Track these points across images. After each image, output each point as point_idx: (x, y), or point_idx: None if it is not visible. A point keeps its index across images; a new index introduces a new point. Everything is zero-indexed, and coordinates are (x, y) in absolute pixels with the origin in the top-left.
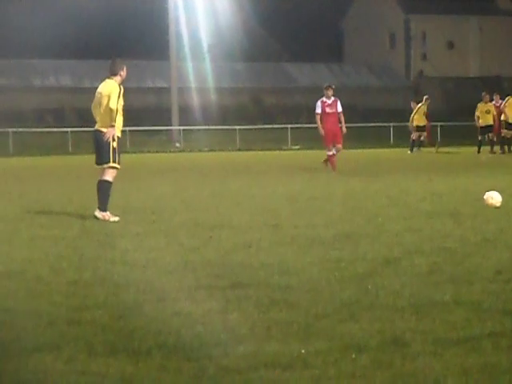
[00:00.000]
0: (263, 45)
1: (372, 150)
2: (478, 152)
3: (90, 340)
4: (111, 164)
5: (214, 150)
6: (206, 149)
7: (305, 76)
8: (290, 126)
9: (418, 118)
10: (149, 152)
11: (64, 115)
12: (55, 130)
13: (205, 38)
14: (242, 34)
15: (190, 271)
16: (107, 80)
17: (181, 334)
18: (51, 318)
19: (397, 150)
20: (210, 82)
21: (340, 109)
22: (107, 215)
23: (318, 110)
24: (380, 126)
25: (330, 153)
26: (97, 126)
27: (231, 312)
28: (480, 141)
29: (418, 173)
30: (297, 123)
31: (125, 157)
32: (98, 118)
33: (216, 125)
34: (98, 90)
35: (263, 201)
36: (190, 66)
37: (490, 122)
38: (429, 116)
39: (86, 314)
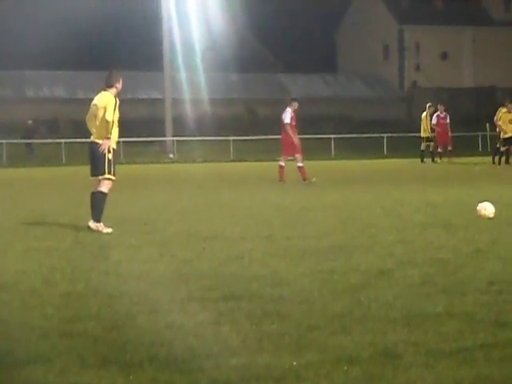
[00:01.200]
0: (257, 56)
1: (366, 161)
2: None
3: (82, 352)
4: (106, 176)
5: (208, 161)
6: (199, 160)
7: (299, 87)
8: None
9: (423, 128)
10: (142, 163)
11: (58, 126)
12: (49, 141)
13: (199, 49)
14: (236, 44)
15: (183, 283)
16: (103, 92)
17: (173, 346)
18: (43, 330)
19: (390, 160)
20: (204, 93)
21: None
22: (101, 226)
23: (288, 121)
24: (374, 137)
25: (283, 163)
26: (92, 138)
27: (223, 324)
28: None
29: (411, 183)
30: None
31: (118, 168)
32: (93, 130)
33: (210, 136)
34: (94, 101)
35: (256, 212)
36: (183, 77)
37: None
38: (438, 124)
39: (78, 326)
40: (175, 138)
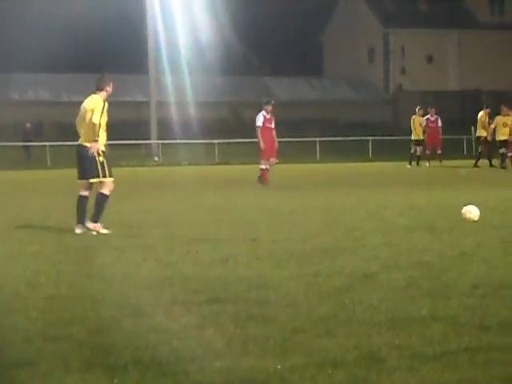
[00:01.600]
0: (243, 59)
1: (351, 164)
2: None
3: (67, 355)
4: (101, 179)
5: (193, 164)
6: (184, 163)
7: (284, 90)
8: None
9: (413, 131)
10: (127, 166)
11: (43, 129)
12: (34, 144)
13: (184, 52)
14: (222, 47)
15: (167, 286)
16: (93, 95)
17: (157, 350)
18: (28, 333)
19: (375, 163)
20: (190, 96)
21: (273, 125)
22: (98, 226)
23: (260, 124)
24: (359, 140)
25: (264, 167)
26: (80, 141)
27: (208, 327)
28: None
29: (396, 186)
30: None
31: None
32: (81, 133)
33: (195, 139)
34: (83, 104)
35: (241, 215)
36: (169, 80)
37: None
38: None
39: (62, 330)
40: (160, 141)
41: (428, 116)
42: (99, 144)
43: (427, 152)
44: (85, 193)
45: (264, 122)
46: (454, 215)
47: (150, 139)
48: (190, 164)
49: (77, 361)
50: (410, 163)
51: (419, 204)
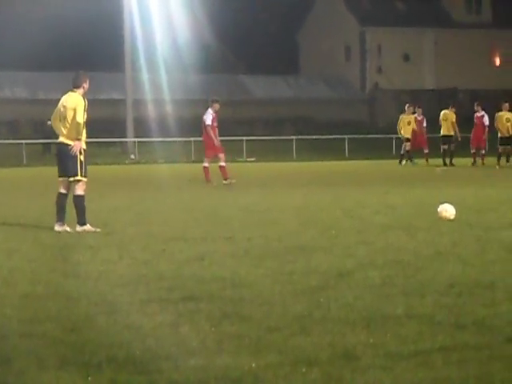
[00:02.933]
0: (219, 57)
1: (327, 163)
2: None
3: (41, 353)
4: (79, 177)
5: (169, 162)
6: (161, 160)
7: (260, 88)
8: (245, 138)
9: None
10: (103, 164)
11: (19, 127)
12: (10, 141)
13: (160, 49)
14: (198, 45)
15: (143, 284)
16: (70, 93)
17: (132, 347)
18: (2, 330)
19: (352, 162)
20: (166, 94)
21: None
22: (88, 227)
23: (209, 122)
24: (335, 139)
25: (207, 164)
26: (61, 139)
27: (183, 325)
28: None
29: (373, 185)
30: (252, 135)
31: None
32: (61, 131)
33: (171, 137)
34: (62, 102)
35: (218, 213)
36: (145, 77)
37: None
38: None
39: (37, 327)
40: (136, 139)
41: (415, 115)
42: (82, 143)
43: (408, 150)
44: (64, 190)
45: (212, 121)
46: (430, 214)
47: (125, 137)
48: (166, 162)
49: (51, 358)
50: (400, 162)
51: (395, 203)
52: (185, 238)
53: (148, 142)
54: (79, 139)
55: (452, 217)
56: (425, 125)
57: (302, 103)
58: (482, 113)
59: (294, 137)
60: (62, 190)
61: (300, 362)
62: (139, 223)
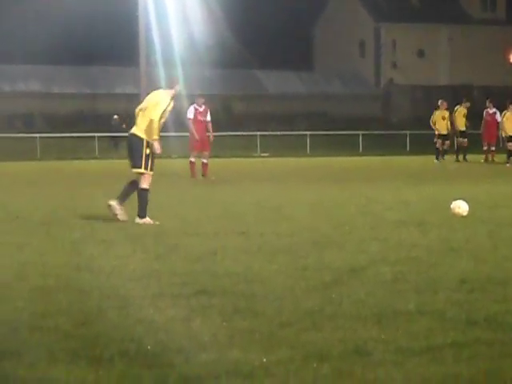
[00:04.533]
0: (234, 52)
1: (341, 158)
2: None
3: (52, 347)
4: (142, 170)
5: (184, 157)
6: (175, 155)
7: (274, 83)
8: (259, 133)
9: (438, 125)
10: (118, 158)
11: (33, 121)
12: (24, 135)
13: (176, 44)
14: (213, 40)
15: (155, 279)
16: (161, 90)
17: (143, 342)
18: (13, 324)
19: (366, 158)
20: (182, 89)
21: (209, 118)
22: (147, 220)
23: (191, 116)
24: (349, 134)
25: (193, 159)
26: (133, 130)
27: (194, 320)
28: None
29: (386, 181)
30: (266, 130)
31: (93, 163)
32: (136, 122)
33: (186, 131)
34: (149, 95)
35: (231, 208)
36: (161, 72)
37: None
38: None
39: (48, 321)
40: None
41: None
42: (149, 136)
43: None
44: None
45: (195, 115)
46: (443, 210)
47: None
48: (180, 157)
49: (62, 352)
50: (437, 158)
51: (409, 199)
52: (197, 233)
53: (163, 136)
54: (155, 139)
55: (465, 213)
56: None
57: (316, 99)
58: (494, 109)
59: (307, 132)
60: (136, 178)
61: (311, 357)
62: (152, 218)
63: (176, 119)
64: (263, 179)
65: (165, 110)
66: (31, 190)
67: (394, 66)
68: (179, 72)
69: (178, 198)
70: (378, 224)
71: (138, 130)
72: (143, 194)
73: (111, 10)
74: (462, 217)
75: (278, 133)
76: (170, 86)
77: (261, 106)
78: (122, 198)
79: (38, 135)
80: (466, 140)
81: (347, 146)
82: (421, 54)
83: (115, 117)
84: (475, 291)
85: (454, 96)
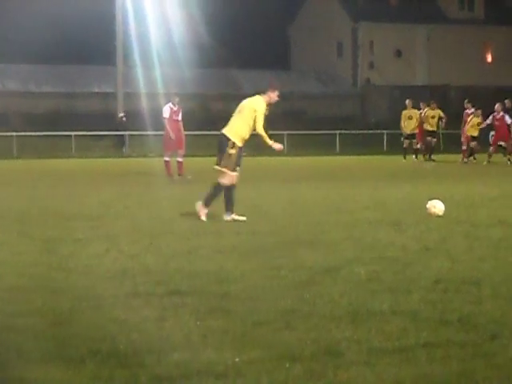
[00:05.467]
0: (211, 51)
1: (318, 158)
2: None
3: (25, 347)
4: (221, 168)
5: (161, 156)
6: (152, 154)
7: (252, 83)
8: None
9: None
10: (94, 157)
11: (9, 119)
12: (0, 134)
13: (154, 44)
14: (191, 40)
15: (129, 278)
16: (257, 96)
17: (115, 341)
18: None
19: (343, 157)
20: (158, 88)
21: (181, 117)
22: (235, 216)
23: (166, 115)
24: (326, 134)
25: (168, 159)
26: (224, 130)
27: (167, 319)
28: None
29: (363, 181)
30: None
31: (70, 162)
32: (229, 122)
33: (162, 130)
34: (247, 100)
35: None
36: (138, 71)
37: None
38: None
39: (21, 321)
40: (127, 133)
41: (421, 111)
42: (238, 139)
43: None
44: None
45: (171, 114)
46: (419, 210)
47: (117, 130)
48: (157, 155)
49: (35, 352)
50: (417, 156)
51: (385, 198)
52: (173, 231)
53: (140, 135)
54: (270, 143)
55: (441, 213)
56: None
57: (294, 98)
58: (473, 110)
59: (285, 132)
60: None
61: (284, 357)
62: (128, 217)
63: (153, 118)
64: (240, 178)
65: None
66: (7, 189)
67: (372, 66)
68: (156, 71)
69: (153, 196)
70: (353, 223)
71: (228, 130)
72: (226, 190)
73: (88, 9)
74: (438, 216)
75: (255, 132)
76: (265, 91)
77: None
78: (227, 207)
79: (14, 134)
80: (434, 140)
81: (325, 146)
82: (398, 53)
83: (121, 115)
84: (449, 291)
85: (431, 96)
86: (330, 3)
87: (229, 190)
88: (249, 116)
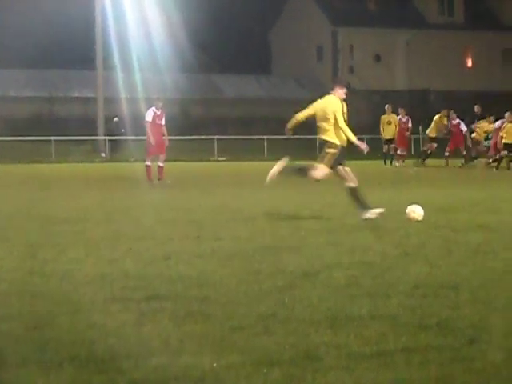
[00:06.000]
0: (192, 56)
1: (299, 162)
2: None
3: (2, 351)
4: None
5: (140, 161)
6: (132, 159)
7: (232, 88)
8: (216, 137)
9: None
10: (74, 162)
11: None
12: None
13: (134, 48)
14: (171, 45)
15: (107, 283)
16: (327, 96)
17: (93, 347)
18: None
19: None
20: (139, 93)
21: (164, 121)
22: (371, 212)
23: (149, 119)
24: (306, 138)
25: (149, 163)
26: (322, 136)
27: (145, 324)
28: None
29: (343, 186)
30: (224, 134)
31: (50, 166)
32: (323, 129)
33: (143, 135)
34: (322, 103)
35: (187, 212)
36: (119, 76)
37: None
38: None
39: (0, 325)
40: (107, 137)
41: (399, 117)
42: (337, 139)
43: (399, 152)
44: (350, 184)
45: (154, 118)
46: (398, 215)
47: (97, 135)
48: (136, 160)
49: (12, 357)
50: (391, 163)
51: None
52: (152, 236)
53: (119, 140)
54: (356, 141)
55: (420, 218)
56: (410, 125)
57: (274, 103)
58: (458, 120)
59: (265, 136)
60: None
61: (262, 362)
62: (108, 222)
63: (133, 123)
64: (220, 183)
65: (343, 113)
66: None
67: (351, 70)
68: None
69: (133, 201)
70: (333, 228)
71: (326, 135)
72: (349, 191)
73: (68, 14)
74: (418, 221)
75: (236, 137)
76: (332, 88)
77: (219, 110)
78: (360, 205)
79: None
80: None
81: (304, 150)
82: (378, 58)
83: (115, 119)
84: (428, 296)
85: (410, 101)
86: (310, 8)
87: (354, 190)
88: (331, 117)
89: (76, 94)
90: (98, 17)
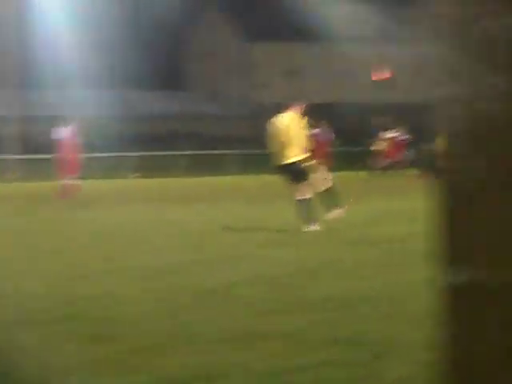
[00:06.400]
0: (104, 72)
1: (211, 178)
2: None
3: None
4: None
5: (55, 179)
6: (40, 178)
7: (146, 104)
8: (130, 154)
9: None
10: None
11: None
12: None
13: (47, 66)
14: (83, 62)
15: (11, 305)
16: (283, 114)
17: None
18: None
19: (238, 177)
20: (50, 111)
21: (78, 139)
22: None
23: (60, 137)
24: (220, 154)
25: (64, 181)
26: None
27: (48, 347)
28: None
29: (258, 201)
30: (138, 151)
31: None
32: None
33: (57, 153)
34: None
35: (98, 230)
36: (33, 94)
37: None
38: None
39: None
40: (15, 156)
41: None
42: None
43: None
44: None
45: (66, 136)
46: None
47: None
48: (44, 179)
49: None
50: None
51: (276, 218)
52: (62, 256)
53: (32, 159)
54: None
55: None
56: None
57: (187, 119)
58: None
59: (179, 152)
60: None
61: (164, 382)
62: (17, 241)
63: (45, 141)
64: (133, 200)
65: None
66: None
67: (263, 85)
68: (50, 93)
69: (46, 220)
70: (240, 243)
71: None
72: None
73: None
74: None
75: (150, 153)
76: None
77: (133, 126)
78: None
79: None
80: None
81: (219, 166)
82: (289, 72)
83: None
84: (336, 311)
85: (320, 114)
86: (222, 23)
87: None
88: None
89: None
90: (13, 35)
